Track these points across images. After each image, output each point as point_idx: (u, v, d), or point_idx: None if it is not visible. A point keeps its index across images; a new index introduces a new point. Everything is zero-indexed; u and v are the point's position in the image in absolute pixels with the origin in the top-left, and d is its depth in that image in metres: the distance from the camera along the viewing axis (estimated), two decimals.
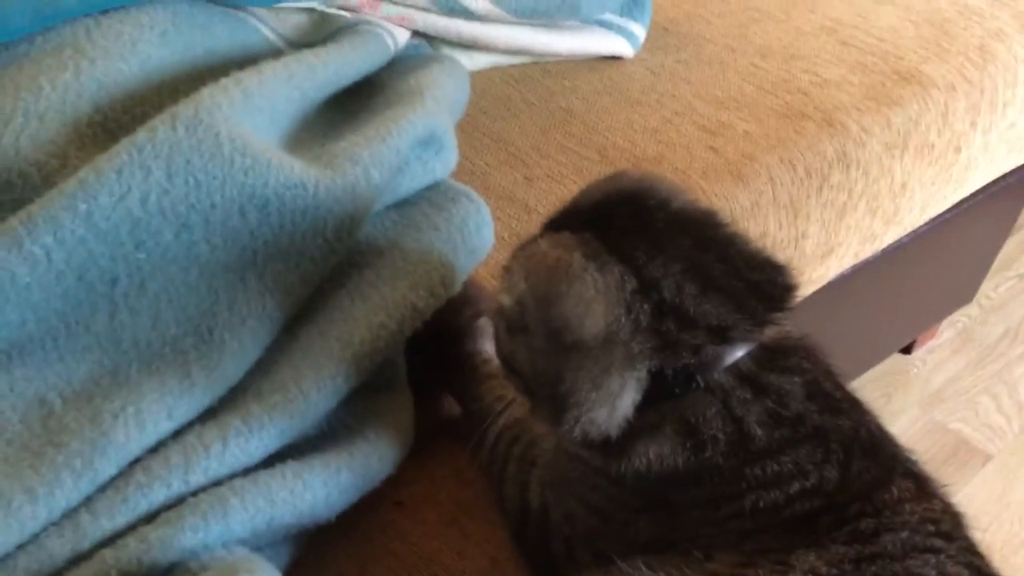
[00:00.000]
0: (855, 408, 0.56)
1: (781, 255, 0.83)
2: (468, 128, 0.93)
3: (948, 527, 0.52)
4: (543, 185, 0.90)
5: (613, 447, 0.55)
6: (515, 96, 1.03)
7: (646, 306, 0.52)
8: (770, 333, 0.55)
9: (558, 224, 0.57)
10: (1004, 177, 1.33)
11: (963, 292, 1.61)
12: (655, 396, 0.54)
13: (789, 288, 0.56)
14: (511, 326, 0.56)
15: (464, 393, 0.70)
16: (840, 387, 0.57)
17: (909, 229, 1.21)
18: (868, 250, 1.16)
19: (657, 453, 0.54)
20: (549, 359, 0.54)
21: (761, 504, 0.52)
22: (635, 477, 0.55)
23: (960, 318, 1.78)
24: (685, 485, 0.54)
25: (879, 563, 0.48)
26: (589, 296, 0.52)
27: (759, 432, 0.53)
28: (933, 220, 1.25)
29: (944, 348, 1.73)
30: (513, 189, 0.89)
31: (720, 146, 0.98)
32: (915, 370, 1.69)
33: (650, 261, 0.53)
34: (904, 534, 0.50)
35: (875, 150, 1.04)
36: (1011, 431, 1.58)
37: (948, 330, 1.76)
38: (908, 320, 1.55)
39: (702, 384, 0.53)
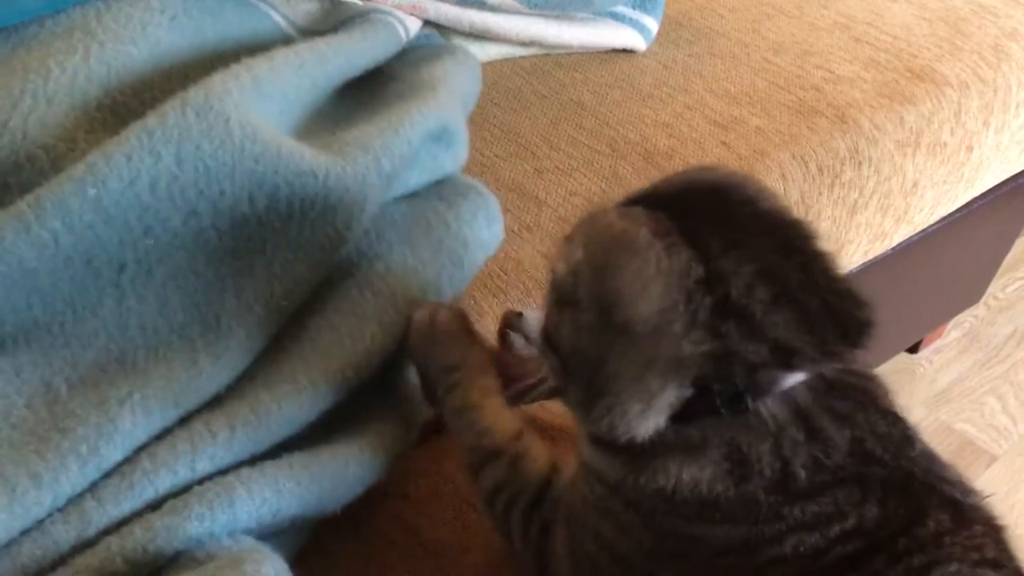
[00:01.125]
0: (900, 448, 0.52)
1: None
2: (478, 119, 0.92)
3: (993, 553, 0.49)
4: (553, 178, 0.89)
5: (638, 456, 0.51)
6: (526, 88, 1.02)
7: (708, 300, 0.47)
8: (834, 364, 0.51)
9: (633, 203, 0.52)
10: (1015, 177, 1.32)
11: (971, 292, 1.60)
12: (697, 411, 0.49)
13: (867, 324, 0.50)
14: (561, 297, 0.52)
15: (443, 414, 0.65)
16: (890, 431, 0.52)
17: (919, 228, 1.20)
18: (878, 248, 1.15)
19: (693, 476, 0.50)
20: (594, 337, 0.50)
21: (802, 548, 0.48)
22: (654, 499, 0.51)
23: (967, 318, 1.77)
24: (716, 522, 0.50)
25: None
26: (649, 274, 0.47)
27: (802, 475, 0.49)
28: (943, 219, 1.25)
29: (951, 348, 1.72)
30: (523, 181, 0.88)
31: (732, 141, 0.98)
32: (921, 370, 1.68)
33: (723, 254, 0.48)
34: (953, 567, 0.47)
35: (887, 148, 1.03)
36: (1017, 432, 1.57)
37: (955, 330, 1.75)
38: (915, 319, 1.54)
39: (753, 409, 0.49)
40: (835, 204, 1.02)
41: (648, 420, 0.50)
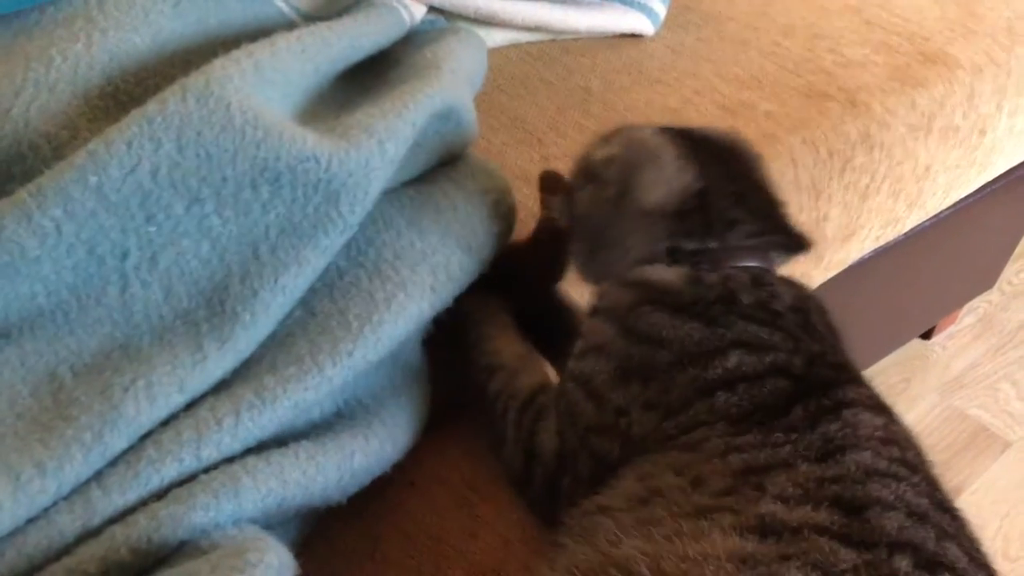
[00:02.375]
0: (835, 343, 0.64)
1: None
2: (484, 106, 0.91)
3: (912, 458, 0.54)
4: (560, 165, 0.89)
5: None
6: (532, 74, 1.02)
7: (697, 200, 0.65)
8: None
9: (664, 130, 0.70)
10: None
11: (985, 278, 1.59)
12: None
13: (806, 242, 0.68)
14: (589, 174, 0.71)
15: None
16: (823, 319, 0.64)
17: (932, 213, 1.19)
18: (890, 233, 1.14)
19: (663, 277, 0.64)
20: (607, 209, 0.68)
21: (743, 368, 0.58)
22: (630, 297, 0.63)
23: (981, 304, 1.76)
24: (675, 313, 0.61)
25: (841, 484, 0.50)
26: (665, 176, 0.66)
27: (749, 301, 0.62)
28: (956, 204, 1.24)
29: (964, 334, 1.71)
30: (529, 168, 0.88)
31: (741, 126, 0.97)
32: (935, 356, 1.67)
33: (715, 179, 0.66)
34: (867, 455, 0.52)
35: (899, 132, 1.02)
36: None
37: (968, 316, 1.74)
38: (929, 305, 1.53)
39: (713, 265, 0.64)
40: (846, 189, 1.01)
41: (628, 262, 0.67)
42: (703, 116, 0.97)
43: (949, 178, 1.14)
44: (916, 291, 1.44)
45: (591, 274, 0.71)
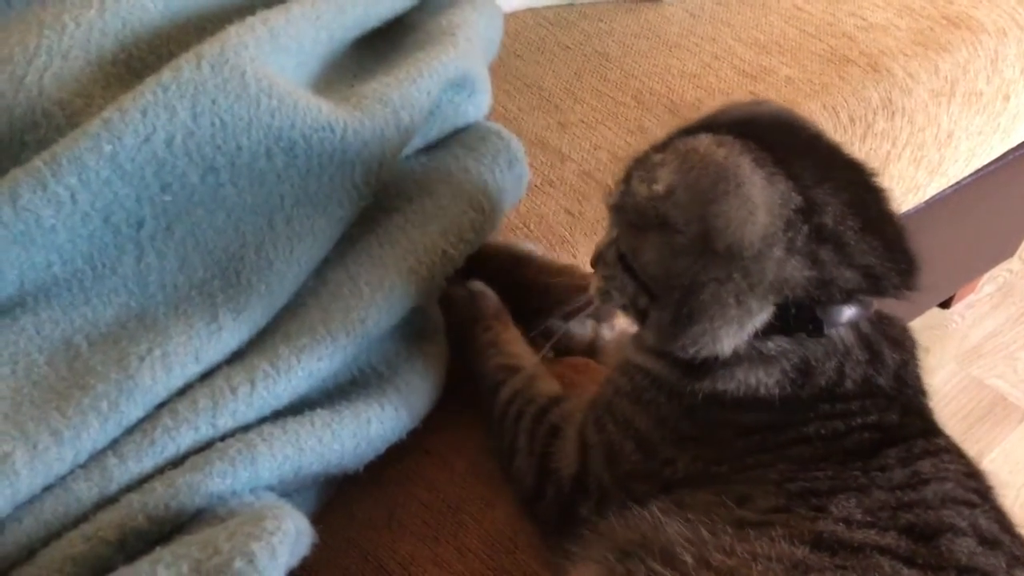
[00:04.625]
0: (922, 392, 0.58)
1: None
2: (501, 72, 0.91)
3: (985, 487, 0.52)
4: (576, 131, 0.88)
5: (703, 366, 0.54)
6: (549, 39, 1.00)
7: (806, 227, 0.51)
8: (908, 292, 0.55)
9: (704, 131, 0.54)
10: None
11: (1005, 246, 1.58)
12: (774, 331, 0.53)
13: (917, 266, 0.55)
14: (640, 221, 0.53)
15: (471, 359, 0.69)
16: (916, 370, 0.57)
17: (953, 180, 1.18)
18: (911, 201, 1.13)
19: (758, 381, 0.53)
20: (690, 262, 0.52)
21: (823, 431, 0.52)
22: (707, 399, 0.54)
23: (1001, 272, 1.75)
24: (755, 411, 0.53)
25: (915, 510, 0.48)
26: (755, 202, 0.49)
27: (850, 386, 0.54)
28: (978, 171, 1.22)
29: (984, 303, 1.70)
30: (546, 135, 0.87)
31: (761, 92, 0.96)
32: (954, 325, 1.66)
33: (816, 184, 0.51)
34: (949, 485, 0.50)
35: (921, 97, 1.01)
36: None
37: (988, 284, 1.73)
38: (948, 274, 1.52)
39: (828, 333, 0.53)
40: (867, 156, 1.00)
41: (739, 339, 0.53)
42: (722, 81, 0.96)
43: (971, 145, 1.12)
44: (936, 259, 1.43)
45: (681, 344, 0.54)
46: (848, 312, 0.53)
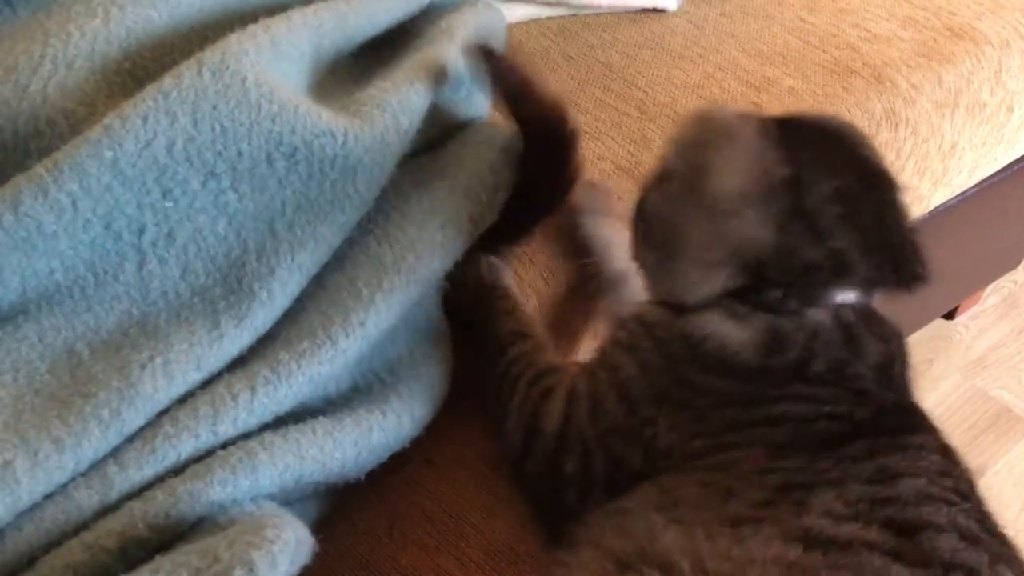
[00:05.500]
0: (908, 389, 0.58)
1: None
2: None
3: (966, 488, 0.53)
4: (580, 142, 0.88)
5: (686, 309, 0.58)
6: (553, 49, 1.00)
7: (786, 200, 0.54)
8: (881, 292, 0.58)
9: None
10: None
11: (1010, 257, 1.57)
12: (748, 300, 0.56)
13: (919, 275, 0.58)
14: (664, 174, 0.60)
15: (482, 324, 0.70)
16: (904, 370, 0.59)
17: (957, 191, 1.17)
18: (915, 212, 1.12)
19: (727, 335, 0.55)
20: (676, 204, 0.58)
21: (790, 413, 0.53)
22: (682, 344, 0.57)
23: (1005, 284, 1.74)
24: (729, 376, 0.55)
25: (894, 506, 0.49)
26: (740, 159, 0.54)
27: (821, 369, 0.55)
28: (982, 182, 1.22)
29: (988, 314, 1.69)
30: None
31: (764, 103, 0.96)
32: (958, 336, 1.65)
33: (810, 166, 0.55)
34: (922, 481, 0.50)
35: (925, 108, 1.01)
36: None
37: (993, 296, 1.72)
38: (952, 285, 1.51)
39: (800, 311, 0.55)
40: None
41: (702, 289, 0.57)
42: (726, 92, 0.96)
43: (975, 156, 1.12)
44: (940, 270, 1.42)
45: (661, 287, 0.61)
46: (827, 295, 0.56)
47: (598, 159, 0.86)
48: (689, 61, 1.00)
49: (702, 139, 0.56)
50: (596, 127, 0.90)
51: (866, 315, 0.57)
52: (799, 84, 0.98)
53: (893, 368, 0.57)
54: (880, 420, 0.54)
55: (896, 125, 0.99)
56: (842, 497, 0.49)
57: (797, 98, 0.96)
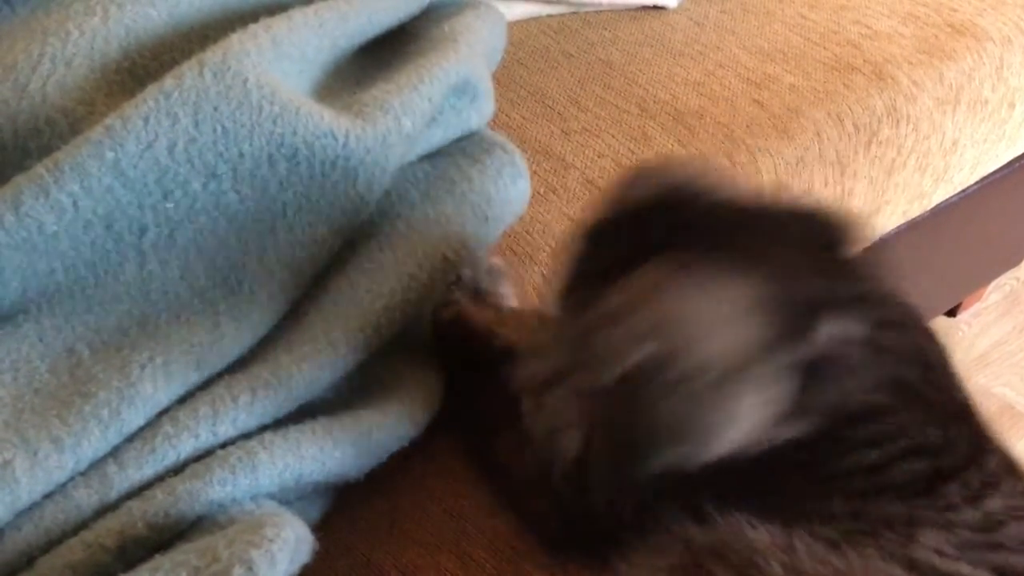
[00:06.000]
0: (950, 380, 0.54)
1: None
2: (504, 80, 0.91)
3: None
4: (580, 139, 0.88)
5: None
6: (553, 47, 1.00)
7: (766, 313, 0.47)
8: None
9: (614, 241, 0.52)
10: None
11: (1012, 254, 1.57)
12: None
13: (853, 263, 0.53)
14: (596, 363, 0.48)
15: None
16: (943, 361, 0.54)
17: (959, 188, 1.17)
18: (916, 209, 1.12)
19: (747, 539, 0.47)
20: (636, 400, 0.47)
21: (865, 462, 0.48)
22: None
23: (1008, 281, 1.74)
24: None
25: (1000, 553, 0.46)
26: (722, 325, 0.46)
27: (864, 398, 0.50)
28: (984, 179, 1.21)
29: (990, 311, 1.69)
30: (550, 143, 0.87)
31: (765, 99, 0.96)
32: (960, 333, 1.65)
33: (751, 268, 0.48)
34: None
35: (926, 105, 1.00)
36: None
37: (995, 293, 1.72)
38: (954, 282, 1.51)
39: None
40: (872, 163, 1.00)
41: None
42: (726, 89, 0.96)
43: (977, 152, 1.12)
44: (942, 267, 1.42)
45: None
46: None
47: (598, 156, 0.86)
48: (690, 58, 1.00)
49: (687, 335, 0.45)
50: (596, 124, 0.90)
51: (877, 319, 0.52)
52: (800, 81, 0.98)
53: (928, 355, 0.52)
54: (952, 438, 0.50)
55: (897, 122, 0.99)
56: (950, 540, 0.46)
57: (798, 95, 0.96)
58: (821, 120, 0.94)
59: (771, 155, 0.91)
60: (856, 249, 0.52)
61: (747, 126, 0.92)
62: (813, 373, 0.49)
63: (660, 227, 0.50)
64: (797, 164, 0.93)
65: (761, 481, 0.49)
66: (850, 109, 0.96)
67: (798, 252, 0.49)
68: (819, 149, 0.94)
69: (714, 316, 0.45)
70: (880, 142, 0.98)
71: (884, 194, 1.04)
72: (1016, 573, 0.45)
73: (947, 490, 0.48)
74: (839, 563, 0.43)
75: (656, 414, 0.46)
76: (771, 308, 0.46)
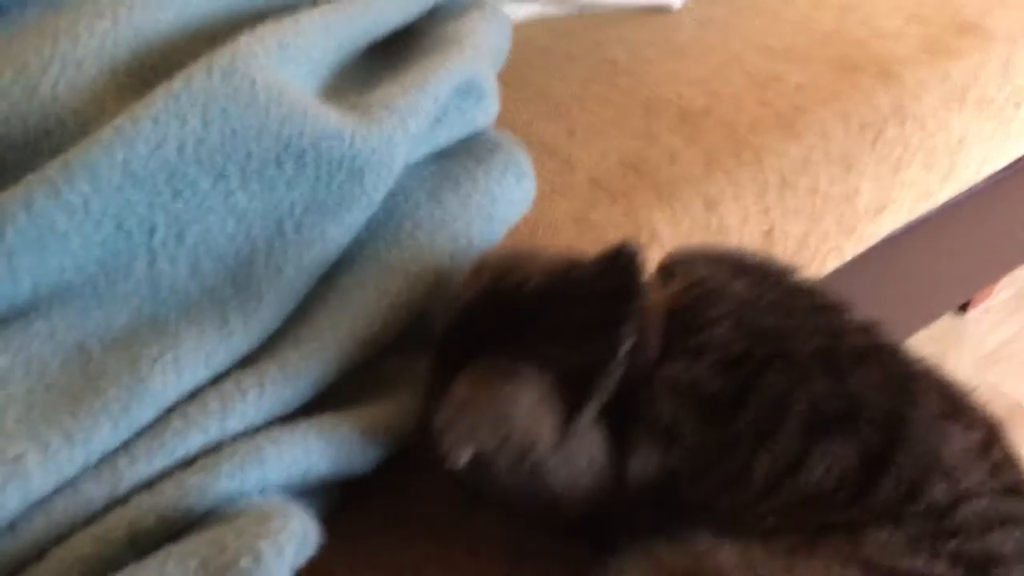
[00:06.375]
0: (822, 315, 0.53)
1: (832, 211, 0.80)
2: (509, 80, 0.91)
3: (1013, 476, 0.49)
4: (585, 138, 0.89)
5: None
6: (558, 48, 1.01)
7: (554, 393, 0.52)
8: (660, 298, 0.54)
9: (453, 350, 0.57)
10: None
11: (1021, 251, 1.57)
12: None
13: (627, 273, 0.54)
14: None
15: None
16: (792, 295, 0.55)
17: (966, 186, 1.17)
18: (923, 207, 1.12)
19: (640, 463, 0.52)
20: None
21: (778, 465, 0.48)
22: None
23: (1018, 278, 1.73)
24: (692, 481, 0.51)
25: (958, 538, 0.45)
26: (540, 413, 0.52)
27: (714, 387, 0.51)
28: (991, 177, 1.21)
29: (1000, 309, 1.69)
30: (554, 143, 0.87)
31: (771, 99, 0.96)
32: (969, 330, 1.65)
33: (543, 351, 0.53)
34: (983, 502, 0.47)
35: (932, 104, 1.01)
36: None
37: (1005, 290, 1.72)
38: (964, 279, 1.51)
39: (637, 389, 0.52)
40: (878, 162, 1.00)
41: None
42: (732, 88, 0.96)
43: (984, 150, 1.12)
44: (951, 265, 1.42)
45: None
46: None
47: (603, 156, 0.87)
48: (695, 58, 1.00)
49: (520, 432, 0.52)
50: (601, 123, 0.90)
51: (674, 325, 0.54)
52: (806, 80, 0.98)
53: (759, 313, 0.53)
54: (864, 403, 0.49)
55: (903, 120, 0.99)
56: (897, 534, 0.46)
57: (804, 94, 0.96)
58: (827, 119, 0.94)
59: (777, 154, 0.91)
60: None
61: (752, 125, 0.92)
62: (641, 405, 0.52)
63: (489, 319, 0.56)
64: (803, 163, 0.93)
65: (685, 512, 0.51)
66: (856, 108, 0.96)
67: (579, 316, 0.53)
68: (825, 148, 0.94)
69: (520, 407, 0.52)
70: (886, 141, 0.99)
71: (891, 192, 1.04)
72: (977, 559, 0.45)
73: (881, 488, 0.47)
74: (804, 571, 0.44)
75: (506, 486, 0.54)
76: (552, 390, 0.51)
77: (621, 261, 0.54)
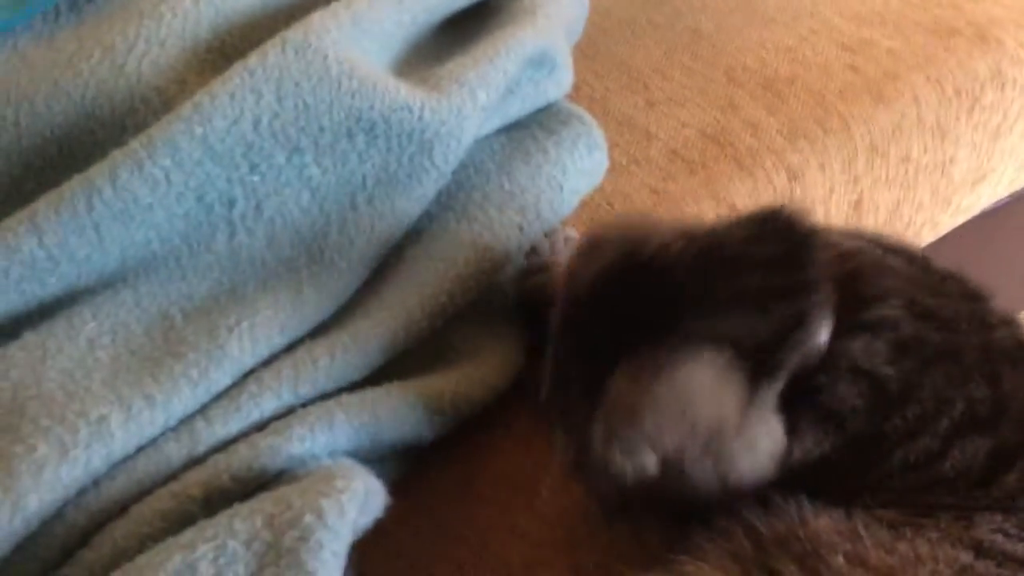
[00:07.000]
0: (978, 313, 0.51)
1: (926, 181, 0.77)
2: (588, 51, 0.91)
3: None
4: (664, 109, 0.88)
5: None
6: (640, 17, 1.00)
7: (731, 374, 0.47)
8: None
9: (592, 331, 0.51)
10: None
11: None
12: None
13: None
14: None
15: None
16: (949, 294, 0.51)
17: None
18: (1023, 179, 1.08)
19: (802, 450, 0.48)
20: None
21: (912, 458, 0.46)
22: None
23: None
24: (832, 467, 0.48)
25: None
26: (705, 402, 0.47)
27: (890, 372, 0.48)
28: None
29: None
30: (633, 114, 0.87)
31: (861, 65, 0.93)
32: None
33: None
34: None
35: None
36: None
37: None
38: None
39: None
40: (975, 129, 0.96)
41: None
42: (820, 55, 0.94)
43: None
44: None
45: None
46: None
47: (683, 126, 0.86)
48: (782, 24, 0.98)
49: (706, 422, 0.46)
50: (682, 94, 0.89)
51: (845, 303, 0.49)
52: (898, 45, 0.95)
53: (926, 304, 0.49)
54: (1006, 397, 0.47)
55: (1002, 85, 0.95)
56: (1011, 521, 0.44)
57: (896, 59, 0.93)
58: (920, 85, 0.91)
59: (866, 122, 0.89)
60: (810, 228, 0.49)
61: (840, 92, 0.90)
62: (814, 390, 0.48)
63: (628, 298, 0.50)
64: (894, 131, 0.90)
65: (815, 480, 0.48)
66: (951, 73, 0.92)
67: (747, 286, 0.48)
68: (918, 115, 0.91)
69: (702, 391, 0.46)
70: (984, 107, 0.95)
71: (989, 161, 1.00)
72: None
73: (1006, 480, 0.46)
74: (905, 549, 0.42)
75: (695, 483, 0.48)
76: (732, 368, 0.46)
77: (780, 223, 0.48)
